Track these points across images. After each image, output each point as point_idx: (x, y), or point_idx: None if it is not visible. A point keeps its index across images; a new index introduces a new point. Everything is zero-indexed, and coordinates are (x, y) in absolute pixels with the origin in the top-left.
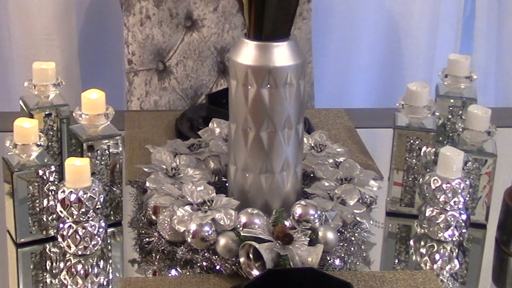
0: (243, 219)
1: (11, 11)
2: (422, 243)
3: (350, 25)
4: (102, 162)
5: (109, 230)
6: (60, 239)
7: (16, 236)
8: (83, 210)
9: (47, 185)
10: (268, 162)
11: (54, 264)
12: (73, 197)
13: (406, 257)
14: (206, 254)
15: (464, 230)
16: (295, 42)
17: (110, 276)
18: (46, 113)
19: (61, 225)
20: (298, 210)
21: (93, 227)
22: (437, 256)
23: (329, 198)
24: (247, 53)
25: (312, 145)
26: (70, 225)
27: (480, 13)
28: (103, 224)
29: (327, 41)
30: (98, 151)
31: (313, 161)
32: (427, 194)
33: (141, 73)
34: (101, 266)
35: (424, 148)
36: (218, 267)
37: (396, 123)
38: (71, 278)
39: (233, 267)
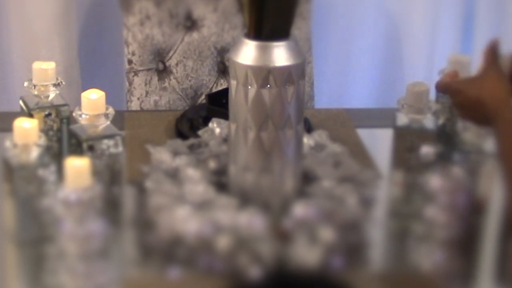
0: (243, 219)
1: (11, 11)
2: (422, 242)
3: (350, 25)
4: (102, 162)
5: (109, 230)
6: (60, 239)
7: (16, 236)
8: (83, 210)
9: (47, 185)
10: (268, 162)
11: (54, 264)
12: (73, 197)
13: (406, 257)
14: (206, 254)
15: (464, 230)
16: (295, 42)
17: (110, 276)
18: (46, 113)
19: (61, 225)
20: (298, 210)
21: (93, 227)
22: (437, 256)
23: (329, 198)
24: (247, 53)
25: (312, 145)
26: (70, 225)
27: (480, 13)
28: (103, 224)
29: (327, 41)
30: (98, 151)
31: (313, 161)
32: (427, 194)
33: (141, 73)
34: (101, 266)
35: (424, 148)
36: (218, 267)
37: (396, 123)
38: (71, 278)
39: (233, 267)
